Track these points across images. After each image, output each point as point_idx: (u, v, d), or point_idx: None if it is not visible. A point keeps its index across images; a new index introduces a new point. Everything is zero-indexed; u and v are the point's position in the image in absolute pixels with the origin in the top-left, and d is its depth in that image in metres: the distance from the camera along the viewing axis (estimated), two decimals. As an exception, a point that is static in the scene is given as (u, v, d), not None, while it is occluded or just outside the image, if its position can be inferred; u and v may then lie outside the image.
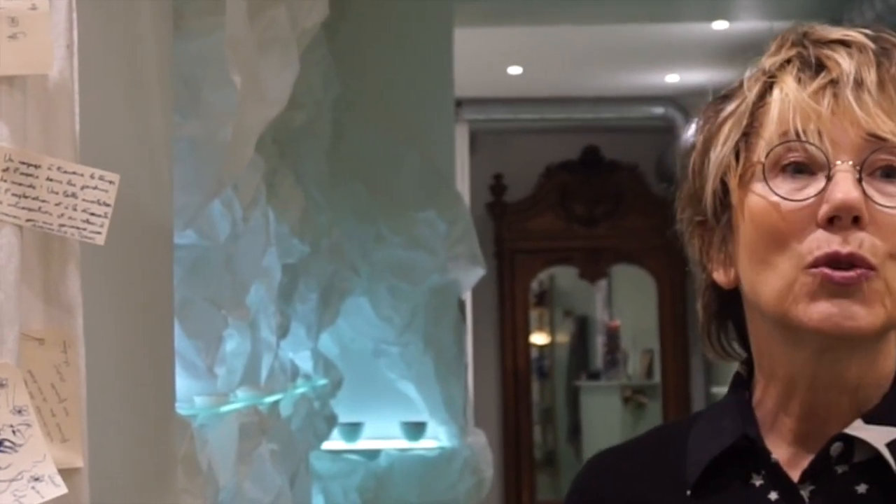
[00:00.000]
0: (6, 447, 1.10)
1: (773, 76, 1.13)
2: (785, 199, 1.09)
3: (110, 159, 1.35)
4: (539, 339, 10.56)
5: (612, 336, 10.64)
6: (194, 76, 1.95)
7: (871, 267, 1.06)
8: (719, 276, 1.16)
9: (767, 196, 1.10)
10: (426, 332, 5.09)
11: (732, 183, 1.13)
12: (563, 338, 11.08)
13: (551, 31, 6.79)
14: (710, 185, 1.15)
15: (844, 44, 1.12)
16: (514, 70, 7.71)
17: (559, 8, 6.08)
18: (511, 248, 8.93)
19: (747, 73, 1.17)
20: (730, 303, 1.18)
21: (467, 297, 6.17)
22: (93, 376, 1.20)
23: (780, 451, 1.13)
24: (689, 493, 1.15)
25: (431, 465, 5.05)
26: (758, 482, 1.13)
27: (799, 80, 1.11)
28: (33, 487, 1.11)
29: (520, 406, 8.94)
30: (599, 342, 10.87)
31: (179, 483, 1.87)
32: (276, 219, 3.29)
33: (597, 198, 8.97)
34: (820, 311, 1.07)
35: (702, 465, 1.15)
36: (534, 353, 9.94)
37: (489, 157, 8.88)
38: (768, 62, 1.14)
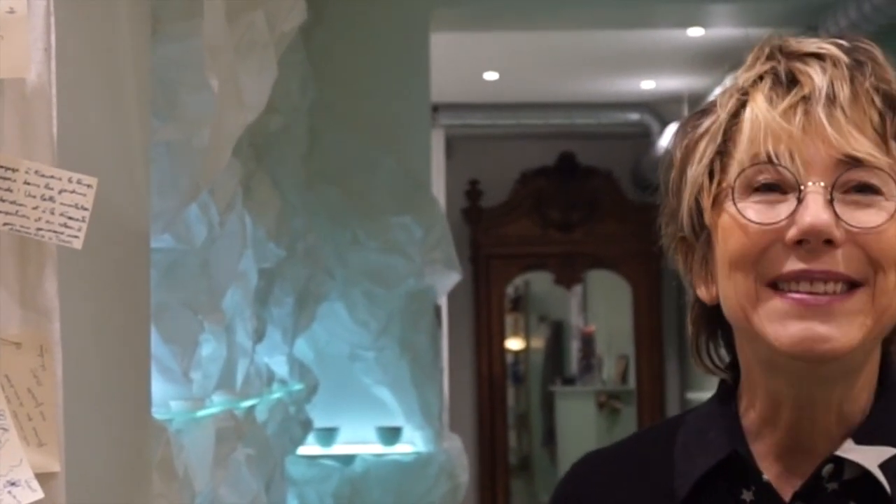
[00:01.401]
0: (-18, 452, 1.10)
1: (745, 93, 1.12)
2: (753, 222, 1.08)
3: (88, 163, 1.35)
4: (514, 344, 10.57)
5: (587, 341, 10.66)
6: (171, 80, 1.95)
7: (852, 283, 1.05)
8: (702, 293, 1.16)
9: (737, 218, 1.09)
10: (402, 336, 5.09)
11: (706, 203, 1.12)
12: (538, 343, 11.10)
13: (528, 37, 6.80)
14: (686, 204, 1.14)
15: (818, 57, 1.10)
16: (491, 76, 7.72)
17: (535, 14, 6.08)
18: (486, 253, 8.93)
19: (724, 86, 1.16)
20: (717, 317, 1.17)
21: (443, 302, 6.17)
22: (69, 381, 1.20)
23: (768, 465, 1.13)
24: None
25: (407, 470, 5.05)
26: (748, 498, 1.13)
27: (770, 100, 1.09)
28: (10, 492, 1.11)
29: (495, 411, 8.94)
30: (574, 347, 10.89)
31: (155, 488, 1.86)
32: (252, 223, 3.28)
33: (572, 204, 8.98)
34: (791, 334, 1.06)
35: (692, 479, 1.15)
36: (509, 359, 9.95)
37: (465, 162, 8.89)
38: (742, 78, 1.14)
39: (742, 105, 1.12)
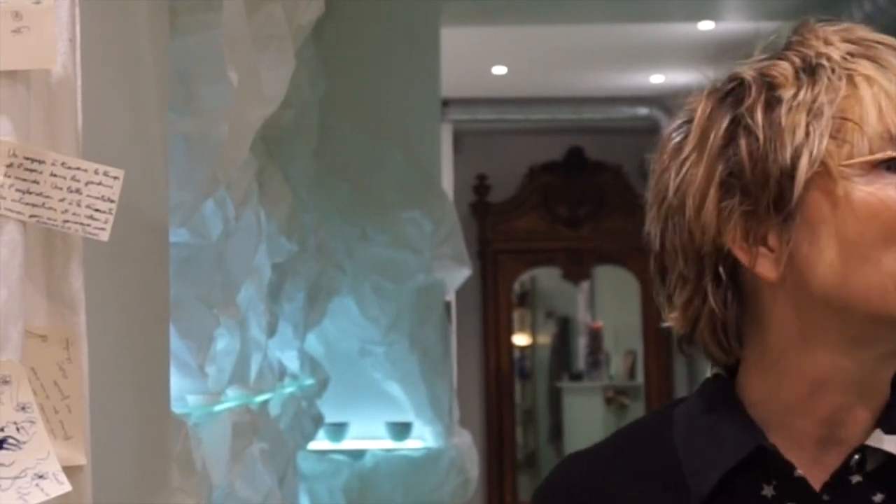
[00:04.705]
0: (10, 444, 1.09)
1: (848, 68, 1.10)
2: None
3: (110, 156, 1.34)
4: (521, 339, 10.56)
5: (595, 337, 10.65)
6: (189, 73, 1.94)
7: None
8: (765, 269, 1.11)
9: (878, 192, 1.07)
10: (412, 332, 5.09)
11: (834, 172, 1.08)
12: (545, 339, 11.09)
13: (536, 31, 6.79)
14: (802, 174, 1.09)
15: (889, 46, 1.11)
16: (499, 70, 7.71)
17: (544, 8, 6.08)
18: (494, 248, 8.93)
19: (816, 63, 1.12)
20: (745, 298, 1.15)
21: (451, 297, 6.16)
22: (93, 374, 1.19)
23: (791, 458, 1.11)
24: None
25: (417, 466, 5.05)
26: (769, 493, 1.11)
27: (883, 76, 1.09)
28: (37, 485, 1.10)
29: (502, 406, 8.94)
30: (581, 343, 10.88)
31: (175, 482, 1.86)
32: (265, 217, 3.27)
33: (580, 199, 8.98)
34: None
35: (713, 477, 1.12)
36: (515, 354, 9.94)
37: (473, 157, 8.89)
38: (835, 53, 1.11)
39: (846, 78, 1.10)
